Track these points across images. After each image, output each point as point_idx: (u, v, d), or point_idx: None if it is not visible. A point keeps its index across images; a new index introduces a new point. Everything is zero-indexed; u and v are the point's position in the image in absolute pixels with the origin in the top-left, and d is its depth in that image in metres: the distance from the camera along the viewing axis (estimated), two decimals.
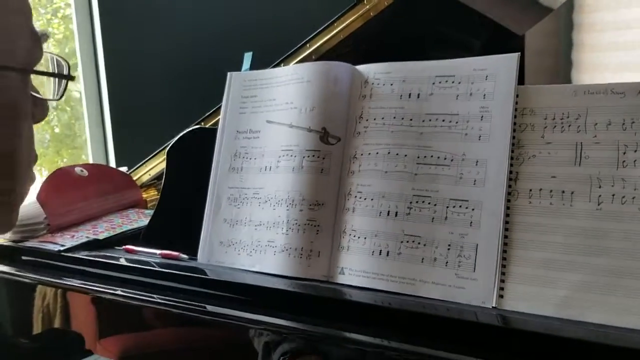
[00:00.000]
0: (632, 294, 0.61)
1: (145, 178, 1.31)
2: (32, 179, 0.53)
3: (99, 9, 1.79)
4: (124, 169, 1.24)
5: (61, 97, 0.53)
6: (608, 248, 0.63)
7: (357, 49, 1.09)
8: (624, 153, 0.64)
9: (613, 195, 0.64)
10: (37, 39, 0.50)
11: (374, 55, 0.83)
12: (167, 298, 0.78)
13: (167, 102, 1.78)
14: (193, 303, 0.76)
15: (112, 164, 1.81)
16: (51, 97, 0.53)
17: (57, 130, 2.32)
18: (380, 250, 0.73)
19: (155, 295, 0.80)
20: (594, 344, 0.57)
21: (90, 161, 1.87)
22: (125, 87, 1.81)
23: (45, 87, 0.53)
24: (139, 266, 0.84)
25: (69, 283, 0.87)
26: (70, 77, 0.53)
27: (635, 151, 0.63)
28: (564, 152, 0.67)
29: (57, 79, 0.53)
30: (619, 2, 1.76)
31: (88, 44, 1.89)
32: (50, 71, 0.53)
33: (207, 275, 0.83)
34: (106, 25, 1.80)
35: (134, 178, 1.29)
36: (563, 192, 0.66)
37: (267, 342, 0.70)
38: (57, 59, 0.53)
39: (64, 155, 2.32)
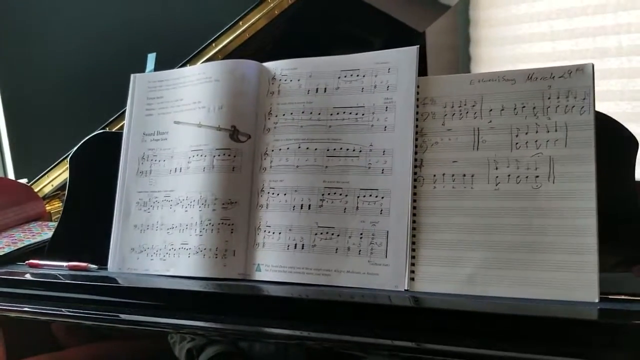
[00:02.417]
0: (528, 266, 0.65)
1: (48, 189, 1.24)
2: None
3: None
4: (23, 180, 1.16)
5: None
6: (506, 225, 0.67)
7: (264, 47, 1.09)
8: (517, 136, 0.68)
9: (509, 175, 0.68)
10: None
11: (281, 53, 0.83)
12: (76, 310, 0.74)
13: (68, 108, 1.69)
14: (105, 313, 0.74)
15: (11, 176, 1.70)
16: None
17: None
18: (295, 244, 0.74)
19: (64, 309, 0.76)
20: (495, 315, 0.61)
21: None
22: (21, 95, 1.70)
23: None
24: (44, 280, 0.80)
25: None
26: None
27: (527, 133, 0.68)
28: (463, 138, 0.70)
29: None
30: None
31: None
32: None
33: (119, 283, 0.80)
34: None
35: (36, 190, 1.22)
36: (464, 175, 0.69)
37: (189, 349, 0.68)
38: None
39: None
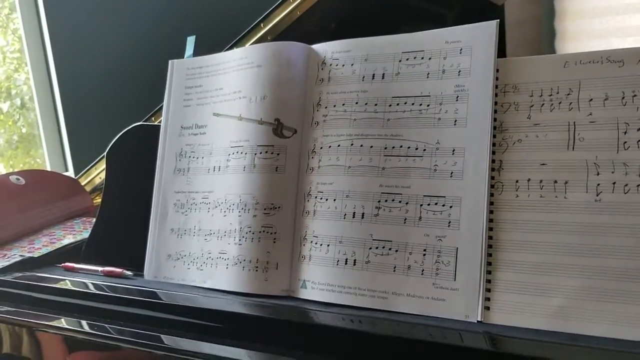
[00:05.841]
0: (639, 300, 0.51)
1: (98, 181, 1.19)
2: None
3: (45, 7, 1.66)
4: (68, 173, 1.12)
5: None
6: (609, 246, 0.53)
7: (319, 27, 0.98)
8: (625, 132, 0.54)
9: (614, 183, 0.54)
10: None
11: (338, 34, 0.72)
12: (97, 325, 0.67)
13: (126, 97, 1.64)
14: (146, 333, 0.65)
15: (70, 164, 1.68)
16: None
17: (24, 130, 2.20)
18: (346, 259, 0.63)
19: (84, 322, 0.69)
20: None
21: (47, 164, 1.74)
22: (78, 84, 1.68)
23: None
24: (74, 289, 0.73)
25: None
26: None
27: (638, 130, 0.53)
28: (554, 135, 0.56)
29: None
30: None
31: (36, 41, 1.76)
32: None
33: (144, 297, 0.70)
34: (52, 20, 1.66)
35: (86, 181, 1.18)
36: (555, 181, 0.56)
37: None
38: None
39: (35, 156, 2.21)
